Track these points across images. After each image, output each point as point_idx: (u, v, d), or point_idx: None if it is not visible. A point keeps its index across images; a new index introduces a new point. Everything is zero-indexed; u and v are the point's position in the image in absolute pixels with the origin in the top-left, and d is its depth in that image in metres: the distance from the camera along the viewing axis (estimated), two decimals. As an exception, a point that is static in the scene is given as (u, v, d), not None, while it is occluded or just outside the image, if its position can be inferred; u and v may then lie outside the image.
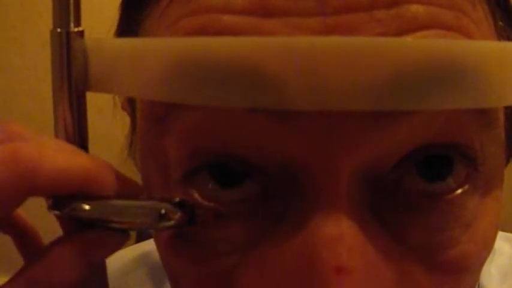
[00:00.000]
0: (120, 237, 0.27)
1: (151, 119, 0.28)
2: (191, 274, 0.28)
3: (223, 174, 0.27)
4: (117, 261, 0.52)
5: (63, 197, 0.26)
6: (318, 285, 0.24)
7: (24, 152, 0.25)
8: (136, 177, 0.33)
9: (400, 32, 0.24)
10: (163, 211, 0.26)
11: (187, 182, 0.28)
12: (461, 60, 0.23)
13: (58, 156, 0.25)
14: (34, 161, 0.25)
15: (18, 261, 0.30)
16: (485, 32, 0.27)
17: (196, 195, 0.27)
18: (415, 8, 0.25)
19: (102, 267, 0.30)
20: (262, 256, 0.26)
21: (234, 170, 0.27)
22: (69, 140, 0.27)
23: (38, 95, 1.57)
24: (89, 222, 0.27)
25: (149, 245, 0.54)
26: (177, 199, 0.27)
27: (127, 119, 0.37)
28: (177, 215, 0.27)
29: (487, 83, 0.23)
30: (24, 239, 0.33)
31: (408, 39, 0.24)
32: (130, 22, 0.32)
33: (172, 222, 0.26)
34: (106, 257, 0.28)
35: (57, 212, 0.26)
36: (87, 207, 0.26)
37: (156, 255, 0.52)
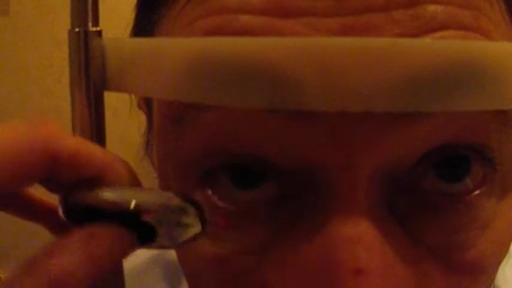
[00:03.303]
0: (128, 240, 0.26)
1: (168, 118, 0.28)
2: (210, 274, 0.28)
3: (241, 175, 0.27)
4: (132, 261, 0.52)
5: (76, 189, 0.25)
6: (337, 287, 0.24)
7: (47, 126, 0.25)
8: (153, 177, 0.33)
9: (418, 33, 0.24)
10: (172, 201, 0.25)
11: (205, 182, 0.28)
12: (480, 61, 0.23)
13: (79, 140, 0.26)
14: (56, 134, 0.25)
15: (16, 257, 0.30)
16: (503, 31, 0.27)
17: (213, 196, 0.27)
18: (433, 8, 0.25)
19: (119, 267, 0.30)
20: (281, 257, 0.26)
21: (252, 171, 0.27)
22: (87, 139, 0.27)
23: (53, 95, 1.58)
24: (104, 214, 0.25)
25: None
26: (192, 199, 0.26)
27: (143, 119, 0.37)
28: (192, 213, 0.25)
29: (506, 84, 0.23)
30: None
31: (427, 40, 0.24)
32: (146, 22, 0.32)
33: (175, 215, 0.25)
34: (127, 254, 0.26)
35: (70, 203, 0.26)
36: (103, 192, 0.25)
37: (170, 254, 0.52)
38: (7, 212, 0.29)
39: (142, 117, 0.37)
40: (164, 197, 0.25)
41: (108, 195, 0.25)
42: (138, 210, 0.25)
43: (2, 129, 0.24)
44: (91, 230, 0.24)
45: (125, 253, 0.25)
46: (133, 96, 0.39)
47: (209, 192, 0.28)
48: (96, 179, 0.25)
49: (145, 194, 0.26)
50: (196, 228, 0.26)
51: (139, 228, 0.25)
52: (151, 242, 0.25)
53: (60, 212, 0.26)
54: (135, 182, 0.26)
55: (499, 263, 0.29)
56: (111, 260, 0.24)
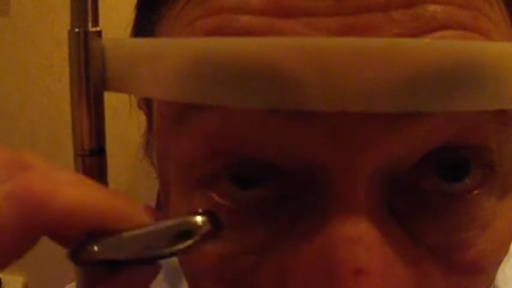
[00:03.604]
0: (151, 270, 0.25)
1: (168, 119, 0.28)
2: (210, 274, 0.28)
3: (241, 175, 0.27)
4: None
5: (82, 242, 0.24)
6: (337, 287, 0.24)
7: (34, 187, 0.23)
8: (153, 177, 0.33)
9: (418, 33, 0.24)
10: (193, 229, 0.25)
11: (205, 182, 0.28)
12: (480, 61, 0.23)
13: (71, 191, 0.23)
14: (45, 197, 0.23)
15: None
16: (503, 31, 0.27)
17: (214, 196, 0.27)
18: (433, 8, 0.25)
19: None
20: (281, 257, 0.26)
21: (252, 171, 0.27)
22: (86, 140, 0.27)
23: (53, 95, 1.58)
24: (111, 263, 0.25)
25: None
26: (201, 210, 0.25)
27: (142, 120, 0.37)
28: (206, 228, 0.25)
29: (506, 84, 0.23)
30: None
31: (426, 40, 0.24)
32: (146, 22, 0.32)
33: (202, 234, 0.25)
34: None
35: (77, 261, 0.24)
36: (96, 247, 0.24)
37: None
38: None
39: (142, 118, 0.37)
40: (177, 225, 0.25)
41: (99, 251, 0.24)
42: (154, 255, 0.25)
43: None
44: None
45: None
46: (133, 96, 0.39)
47: (209, 192, 0.28)
48: (101, 229, 0.24)
49: (155, 232, 0.25)
50: (210, 234, 0.25)
51: None
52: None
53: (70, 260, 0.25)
54: (142, 214, 0.25)
55: (499, 262, 0.29)
56: None
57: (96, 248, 0.24)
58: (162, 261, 0.26)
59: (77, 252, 0.24)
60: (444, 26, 0.25)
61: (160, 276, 0.52)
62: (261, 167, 0.27)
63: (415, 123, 0.24)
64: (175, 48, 0.25)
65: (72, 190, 0.23)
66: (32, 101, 1.62)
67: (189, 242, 0.25)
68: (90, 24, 0.27)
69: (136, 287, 0.25)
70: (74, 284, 0.51)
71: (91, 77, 0.27)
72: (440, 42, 0.24)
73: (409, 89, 0.22)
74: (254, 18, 0.25)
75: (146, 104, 0.35)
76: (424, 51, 0.22)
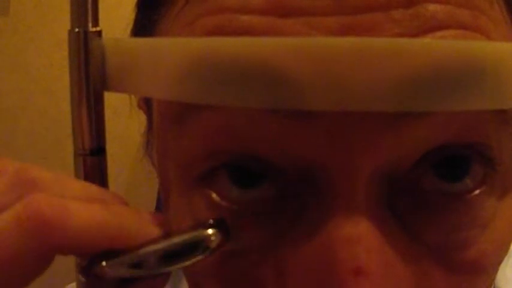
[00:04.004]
0: (162, 278, 0.26)
1: (168, 118, 0.28)
2: (210, 274, 0.28)
3: (241, 175, 0.27)
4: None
5: (93, 259, 0.24)
6: (337, 286, 0.24)
7: (44, 210, 0.23)
8: (153, 176, 0.33)
9: (418, 32, 0.24)
10: (204, 243, 0.25)
11: (205, 182, 0.28)
12: (480, 62, 0.23)
13: (80, 213, 0.23)
14: (55, 222, 0.23)
15: None
16: (503, 31, 0.27)
17: (213, 195, 0.27)
18: (433, 8, 0.25)
19: None
20: (281, 257, 0.26)
21: (252, 170, 0.27)
22: (87, 139, 0.27)
23: (53, 94, 1.58)
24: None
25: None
26: (211, 221, 0.26)
27: (143, 119, 0.37)
28: (218, 240, 0.25)
29: (506, 84, 0.23)
30: None
31: (426, 40, 0.24)
32: (146, 22, 0.32)
33: (213, 248, 0.25)
34: None
35: (89, 277, 0.25)
36: (107, 265, 0.24)
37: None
38: None
39: (142, 117, 0.37)
40: (188, 240, 0.25)
41: (114, 270, 0.24)
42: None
43: None
44: None
45: None
46: (133, 96, 0.39)
47: (209, 191, 0.28)
48: (113, 247, 0.24)
49: (167, 249, 0.25)
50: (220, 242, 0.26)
51: None
52: None
53: (81, 278, 0.25)
54: (152, 226, 0.25)
55: (499, 262, 0.29)
56: None
57: (107, 266, 0.24)
58: None
59: (89, 269, 0.24)
60: (444, 26, 0.25)
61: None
62: (261, 167, 0.27)
63: (415, 123, 0.24)
64: (175, 48, 0.25)
65: (81, 211, 0.23)
66: (32, 101, 1.62)
67: (201, 257, 0.25)
68: (90, 24, 0.27)
69: None
70: (74, 284, 0.51)
71: (91, 76, 0.27)
72: (441, 42, 0.24)
73: (409, 89, 0.22)
74: (254, 18, 0.25)
75: (146, 104, 0.35)
76: (424, 51, 0.22)
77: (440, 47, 0.23)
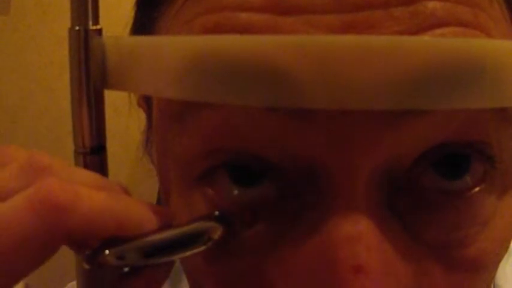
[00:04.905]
0: (164, 270, 0.26)
1: (168, 117, 0.28)
2: (211, 274, 0.28)
3: (241, 174, 0.27)
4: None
5: (97, 247, 0.25)
6: (337, 285, 0.24)
7: (56, 194, 0.23)
8: (153, 175, 0.33)
9: (418, 30, 0.24)
10: (206, 235, 0.25)
11: (205, 181, 0.28)
12: (480, 60, 0.23)
13: (91, 198, 0.24)
14: (67, 206, 0.23)
15: None
16: (502, 29, 0.27)
17: (213, 194, 0.27)
18: (433, 5, 0.25)
19: None
20: (281, 256, 0.26)
21: (252, 169, 0.27)
22: (87, 137, 0.27)
23: (54, 93, 1.58)
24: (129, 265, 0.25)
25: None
26: (216, 213, 0.26)
27: (143, 117, 0.37)
28: (219, 232, 0.26)
29: (506, 82, 0.23)
30: None
31: (426, 38, 0.24)
32: (145, 20, 0.32)
33: (215, 239, 0.26)
34: None
35: (93, 265, 0.25)
36: (112, 253, 0.24)
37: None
38: None
39: (142, 115, 0.37)
40: (194, 232, 0.26)
41: (121, 257, 0.25)
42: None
43: (4, 215, 0.23)
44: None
45: None
46: (133, 94, 0.39)
47: (209, 190, 0.28)
48: (120, 233, 0.25)
49: (170, 239, 0.25)
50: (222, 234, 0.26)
51: None
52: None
53: (85, 265, 0.25)
54: (155, 217, 0.26)
55: (499, 260, 0.29)
56: None
57: (111, 254, 0.24)
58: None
59: (94, 258, 0.25)
60: (444, 23, 0.25)
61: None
62: (261, 166, 0.27)
63: (415, 121, 0.24)
64: (175, 46, 0.25)
65: (92, 197, 0.24)
66: (33, 99, 1.61)
67: (203, 248, 0.25)
68: (90, 22, 0.27)
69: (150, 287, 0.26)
70: (74, 283, 0.51)
71: (91, 75, 0.27)
72: (441, 40, 0.24)
73: (409, 87, 0.22)
74: (253, 16, 0.25)
75: (146, 102, 0.35)
76: (424, 50, 0.22)
77: (440, 45, 0.23)
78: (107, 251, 0.24)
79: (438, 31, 0.24)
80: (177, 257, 0.26)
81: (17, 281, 0.23)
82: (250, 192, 0.27)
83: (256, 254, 0.27)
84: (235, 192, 0.27)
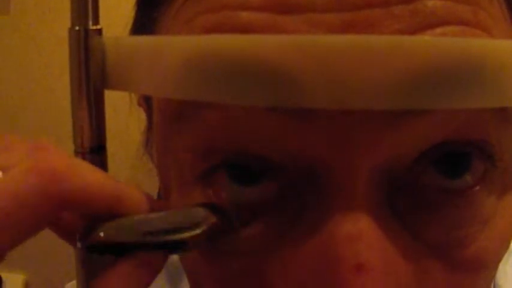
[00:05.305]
0: (158, 258, 0.26)
1: (168, 116, 0.28)
2: (211, 274, 0.28)
3: (241, 173, 0.27)
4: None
5: (91, 224, 0.25)
6: (338, 283, 0.24)
7: (55, 163, 0.24)
8: (153, 174, 0.33)
9: (418, 29, 0.24)
10: (198, 216, 0.26)
11: (205, 181, 0.28)
12: (480, 59, 0.23)
13: (88, 173, 0.25)
14: (65, 173, 0.24)
15: (18, 255, 0.29)
16: (502, 28, 0.27)
17: (213, 194, 0.27)
18: (432, 4, 0.25)
19: None
20: (282, 255, 0.26)
21: (252, 169, 0.27)
22: (87, 137, 0.28)
23: (54, 93, 1.58)
24: (121, 247, 0.26)
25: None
26: (210, 203, 0.26)
27: (143, 117, 0.37)
28: (213, 218, 0.26)
29: (506, 82, 0.23)
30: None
31: (427, 38, 0.24)
32: (145, 19, 0.32)
33: (206, 227, 0.26)
34: (150, 281, 0.26)
35: (85, 244, 0.25)
36: (104, 230, 0.25)
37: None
38: None
39: (143, 115, 0.37)
40: (188, 215, 0.26)
41: (116, 231, 0.25)
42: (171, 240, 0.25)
43: (3, 181, 0.24)
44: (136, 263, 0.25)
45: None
46: (133, 93, 0.39)
47: (209, 190, 0.28)
48: (110, 214, 0.25)
49: (166, 218, 0.26)
50: (218, 230, 0.26)
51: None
52: (177, 251, 0.26)
53: (79, 245, 0.26)
54: (150, 205, 0.27)
55: (500, 260, 0.29)
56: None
57: (104, 231, 0.25)
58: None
59: (86, 236, 0.25)
60: (444, 22, 0.25)
61: (161, 275, 0.52)
62: (261, 165, 0.27)
63: (415, 121, 0.24)
64: (175, 46, 0.25)
65: (89, 171, 0.25)
66: (33, 99, 1.61)
67: (193, 233, 0.25)
68: (90, 22, 0.27)
69: (141, 277, 0.26)
70: (74, 282, 0.51)
71: (91, 75, 0.27)
72: (441, 39, 0.24)
73: (409, 87, 0.22)
74: (254, 15, 0.25)
75: (146, 102, 0.35)
76: (425, 49, 0.22)
77: (441, 44, 0.23)
78: (99, 228, 0.25)
79: (438, 30, 0.24)
80: (170, 239, 0.25)
81: (11, 246, 0.24)
82: (250, 192, 0.27)
83: (256, 254, 0.27)
84: (235, 192, 0.27)
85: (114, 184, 0.25)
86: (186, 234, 0.25)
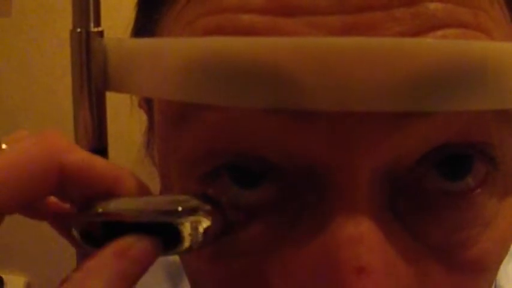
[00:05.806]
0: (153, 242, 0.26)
1: (169, 118, 0.28)
2: (211, 274, 0.28)
3: (242, 175, 0.27)
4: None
5: (88, 202, 0.26)
6: (339, 286, 0.24)
7: (56, 139, 0.25)
8: (154, 176, 0.33)
9: (419, 31, 0.24)
10: (196, 204, 0.26)
11: (206, 182, 0.28)
12: (481, 62, 0.23)
13: (87, 154, 0.26)
14: (65, 148, 0.25)
15: (19, 257, 0.30)
16: (503, 30, 0.27)
17: (214, 196, 0.27)
18: (434, 6, 0.25)
19: None
20: (282, 257, 0.26)
21: (253, 170, 0.27)
22: (89, 139, 0.28)
23: (55, 95, 1.58)
24: (116, 224, 0.25)
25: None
26: (205, 193, 0.27)
27: (144, 118, 0.37)
28: (208, 207, 0.26)
29: (507, 84, 0.23)
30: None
31: (428, 40, 0.24)
32: (146, 21, 0.32)
33: (200, 216, 0.26)
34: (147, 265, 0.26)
35: (80, 223, 0.26)
36: (99, 208, 0.25)
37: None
38: None
39: (144, 117, 0.37)
40: (182, 201, 0.26)
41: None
42: (167, 219, 0.25)
43: (10, 144, 0.25)
44: (122, 245, 0.25)
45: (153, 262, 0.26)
46: (134, 95, 0.39)
47: (210, 191, 0.28)
48: (107, 194, 0.26)
49: (163, 200, 0.26)
50: (215, 225, 0.26)
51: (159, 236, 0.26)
52: (176, 247, 0.26)
53: (75, 233, 0.26)
54: (146, 193, 0.27)
55: (501, 261, 0.29)
56: (142, 274, 0.25)
57: (103, 207, 0.25)
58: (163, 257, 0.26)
59: (82, 215, 0.26)
60: (445, 24, 0.25)
61: (161, 275, 0.52)
62: (262, 167, 0.27)
63: (417, 123, 0.24)
64: (176, 48, 0.25)
65: (85, 154, 0.26)
66: (34, 101, 1.62)
67: (192, 218, 0.25)
68: (92, 24, 0.27)
69: (146, 263, 0.25)
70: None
71: (93, 76, 0.27)
72: (442, 42, 0.24)
73: (411, 89, 0.22)
74: (255, 18, 0.25)
75: (147, 104, 0.35)
76: (426, 51, 0.22)
77: (442, 47, 0.23)
78: (98, 204, 0.25)
79: (439, 32, 0.24)
80: (166, 220, 0.25)
81: (12, 208, 0.25)
82: (251, 194, 0.27)
83: (256, 254, 0.27)
84: (236, 193, 0.27)
85: (113, 165, 0.26)
86: (173, 218, 0.25)
